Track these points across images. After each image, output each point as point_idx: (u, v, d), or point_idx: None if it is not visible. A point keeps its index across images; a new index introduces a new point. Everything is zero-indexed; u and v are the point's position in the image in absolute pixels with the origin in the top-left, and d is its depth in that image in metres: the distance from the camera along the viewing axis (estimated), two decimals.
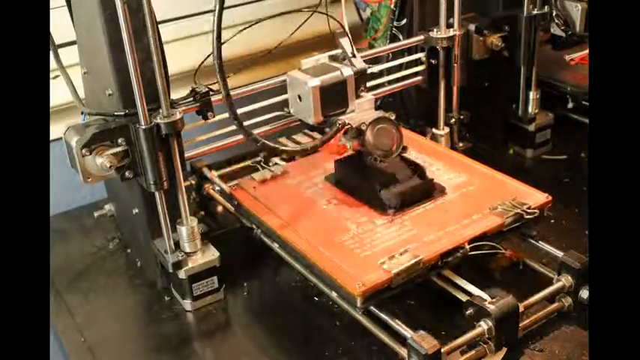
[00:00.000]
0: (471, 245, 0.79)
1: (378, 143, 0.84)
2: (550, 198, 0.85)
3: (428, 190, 0.88)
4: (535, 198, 0.85)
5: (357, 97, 0.88)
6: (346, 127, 0.85)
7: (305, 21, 0.93)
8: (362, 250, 0.79)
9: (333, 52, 0.91)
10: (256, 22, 0.92)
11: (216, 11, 0.72)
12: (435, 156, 0.97)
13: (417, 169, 0.88)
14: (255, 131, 0.91)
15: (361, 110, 0.88)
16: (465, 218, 0.82)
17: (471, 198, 0.87)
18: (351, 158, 0.91)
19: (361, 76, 0.88)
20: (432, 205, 0.86)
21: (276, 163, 1.02)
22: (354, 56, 0.88)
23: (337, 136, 0.86)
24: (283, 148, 0.87)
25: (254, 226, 0.91)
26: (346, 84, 0.87)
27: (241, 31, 0.91)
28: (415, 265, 0.75)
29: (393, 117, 0.86)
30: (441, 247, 0.78)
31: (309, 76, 0.86)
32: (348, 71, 0.87)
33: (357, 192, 0.89)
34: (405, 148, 0.87)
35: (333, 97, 0.86)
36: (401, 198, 0.85)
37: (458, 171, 0.93)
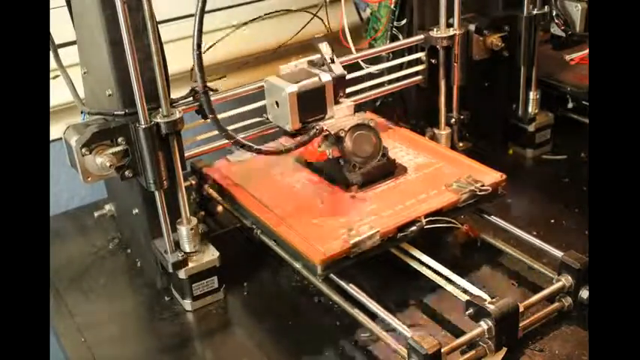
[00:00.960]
0: (427, 219, 0.83)
1: (357, 150, 0.86)
2: (504, 177, 0.90)
3: (390, 169, 0.92)
4: (490, 176, 0.90)
5: (336, 103, 0.88)
6: (324, 133, 0.86)
7: (308, 22, 0.93)
8: (325, 223, 0.84)
9: (312, 58, 0.90)
10: (245, 23, 0.92)
11: (197, 19, 0.73)
12: (397, 138, 1.03)
13: (380, 150, 0.91)
14: (241, 135, 0.91)
15: (340, 116, 0.89)
16: (423, 195, 0.87)
17: (430, 177, 0.92)
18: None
19: (340, 82, 0.88)
20: (393, 183, 0.91)
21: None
22: (332, 62, 0.88)
23: (316, 142, 0.87)
24: (257, 147, 0.86)
25: (226, 204, 0.95)
26: (325, 90, 0.87)
27: (228, 34, 0.91)
28: (372, 236, 0.79)
29: (372, 124, 0.87)
30: (397, 221, 0.82)
31: (286, 82, 0.85)
32: (326, 77, 0.87)
33: (324, 171, 0.94)
34: (384, 155, 0.90)
35: (312, 103, 0.86)
36: (364, 176, 0.89)
37: (419, 152, 0.99)
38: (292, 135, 0.90)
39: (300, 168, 0.97)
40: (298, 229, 0.83)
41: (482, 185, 0.87)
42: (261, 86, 0.91)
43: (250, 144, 0.84)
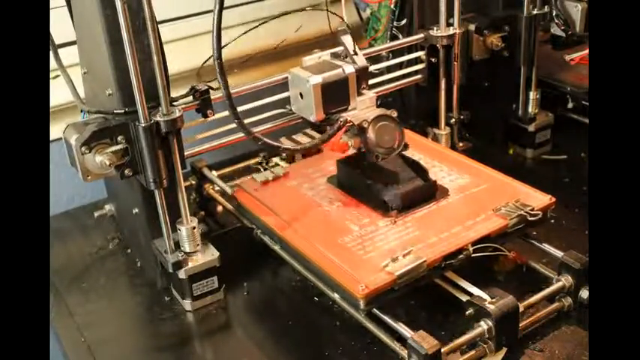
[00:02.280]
0: (474, 247, 0.79)
1: (379, 141, 0.84)
2: (553, 200, 0.85)
3: (431, 192, 0.87)
4: (538, 199, 0.85)
5: (359, 94, 0.88)
6: (348, 124, 0.85)
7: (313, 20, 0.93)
8: (365, 251, 0.79)
9: (335, 50, 0.91)
10: (263, 22, 0.92)
11: (216, 11, 0.72)
12: (437, 157, 0.97)
13: (420, 171, 0.88)
14: (257, 129, 0.92)
15: (363, 108, 0.88)
16: (468, 220, 0.82)
17: (474, 200, 0.87)
18: (353, 159, 0.91)
19: (363, 74, 0.88)
20: (435, 207, 0.86)
21: (276, 164, 1.02)
22: (355, 54, 0.88)
23: (339, 134, 0.86)
24: (284, 146, 0.87)
25: (255, 227, 0.91)
26: (348, 81, 0.87)
27: (252, 29, 0.91)
28: (418, 267, 0.74)
29: (394, 115, 0.86)
30: (444, 249, 0.77)
31: (310, 74, 0.86)
32: (349, 68, 0.87)
33: (359, 193, 0.89)
34: (406, 146, 0.87)
35: (335, 94, 0.86)
36: (403, 199, 0.85)
37: (460, 172, 0.93)
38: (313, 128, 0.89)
39: (332, 189, 0.92)
40: (335, 257, 0.78)
41: (532, 209, 0.82)
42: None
43: (276, 143, 0.83)
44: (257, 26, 0.95)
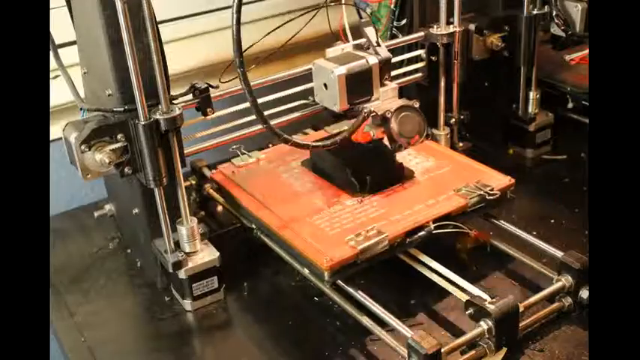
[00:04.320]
0: (436, 224, 0.83)
1: (402, 131, 0.86)
2: (513, 181, 0.89)
3: (397, 174, 0.92)
4: (499, 180, 0.90)
5: (382, 85, 0.89)
6: (371, 114, 0.86)
7: (311, 18, 0.93)
8: (332, 228, 0.84)
9: (358, 42, 0.91)
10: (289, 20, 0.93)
11: (234, 7, 0.73)
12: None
13: (387, 153, 0.91)
14: (277, 120, 0.94)
15: (386, 98, 0.89)
16: (431, 199, 0.87)
17: (438, 181, 0.92)
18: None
19: (386, 65, 0.89)
20: (401, 188, 0.91)
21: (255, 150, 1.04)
22: (378, 45, 0.88)
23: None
24: (310, 144, 0.86)
25: (233, 209, 0.94)
26: (371, 72, 0.87)
27: (288, 21, 0.93)
28: (380, 241, 0.79)
29: (417, 105, 0.88)
30: (406, 226, 0.82)
31: (335, 65, 0.86)
32: (373, 60, 0.87)
33: (330, 175, 0.94)
34: (428, 136, 0.90)
35: (359, 85, 0.87)
36: (371, 180, 0.89)
37: (426, 155, 0.98)
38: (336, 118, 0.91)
39: (306, 172, 0.97)
40: (305, 234, 0.83)
41: (492, 189, 0.87)
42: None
43: (303, 142, 0.84)
44: (288, 21, 0.95)
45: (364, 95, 0.88)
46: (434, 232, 0.82)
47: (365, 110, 0.86)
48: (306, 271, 0.82)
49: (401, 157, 0.94)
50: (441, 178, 0.92)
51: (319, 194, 0.91)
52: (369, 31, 0.89)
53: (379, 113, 0.86)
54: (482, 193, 0.86)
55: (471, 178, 0.90)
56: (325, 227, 0.84)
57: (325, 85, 0.88)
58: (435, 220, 0.83)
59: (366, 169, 0.90)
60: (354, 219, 0.85)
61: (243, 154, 1.02)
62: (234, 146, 1.04)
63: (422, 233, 0.82)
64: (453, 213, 0.85)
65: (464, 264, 0.88)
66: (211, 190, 1.02)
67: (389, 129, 0.86)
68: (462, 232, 0.86)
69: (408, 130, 0.86)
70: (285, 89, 0.95)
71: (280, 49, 1.01)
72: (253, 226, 0.91)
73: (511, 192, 0.91)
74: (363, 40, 0.90)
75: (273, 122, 0.86)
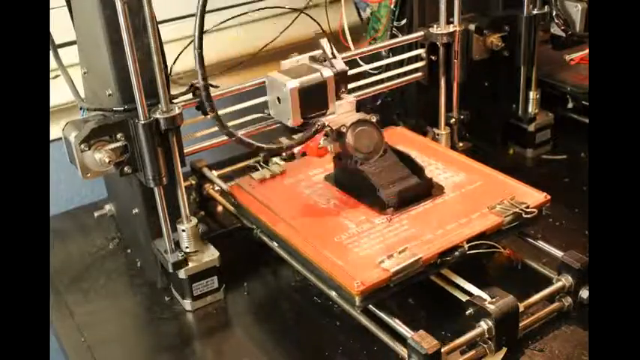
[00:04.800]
0: (470, 244, 0.79)
1: (358, 145, 0.83)
2: (548, 197, 0.85)
3: (426, 189, 0.88)
4: (534, 197, 0.85)
5: (338, 98, 0.87)
6: (325, 129, 0.84)
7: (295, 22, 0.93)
8: (360, 248, 0.79)
9: (313, 53, 0.89)
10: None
11: (198, 14, 0.73)
12: (433, 155, 0.97)
13: (416, 168, 0.88)
14: (241, 132, 0.90)
15: (342, 112, 0.87)
16: (464, 217, 0.82)
17: (470, 197, 0.87)
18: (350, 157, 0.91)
19: (342, 78, 0.87)
20: (431, 205, 0.86)
21: (275, 163, 1.02)
22: (334, 57, 0.87)
23: (316, 138, 0.85)
24: (264, 146, 0.85)
25: (253, 225, 0.91)
26: (326, 85, 0.86)
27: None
28: (414, 264, 0.75)
29: (374, 119, 0.85)
30: (439, 246, 0.78)
31: (288, 78, 0.84)
32: (328, 72, 0.85)
33: (356, 191, 0.89)
34: (385, 151, 0.87)
35: (313, 98, 0.85)
36: (399, 197, 0.85)
37: (456, 170, 0.93)
38: (292, 133, 0.89)
39: (329, 187, 0.92)
40: (333, 255, 0.78)
41: (527, 207, 0.82)
42: (260, 82, 0.90)
43: (252, 141, 0.82)
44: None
45: (319, 109, 0.85)
46: (468, 252, 0.78)
47: (318, 123, 0.84)
48: (332, 294, 0.78)
49: (430, 171, 0.90)
50: (473, 194, 0.88)
51: (345, 212, 0.86)
52: (324, 42, 0.87)
53: (334, 127, 0.84)
54: (518, 210, 0.82)
55: (504, 194, 0.85)
56: (354, 248, 0.79)
57: (279, 98, 0.85)
58: (468, 240, 0.79)
59: (395, 185, 0.86)
60: (384, 239, 0.80)
61: (262, 167, 0.98)
62: (253, 160, 1.03)
63: (456, 254, 0.78)
64: (488, 232, 0.80)
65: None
66: (211, 190, 1.02)
67: (344, 144, 0.84)
68: (495, 252, 0.82)
69: (364, 145, 0.83)
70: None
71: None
72: (275, 244, 0.87)
73: (546, 209, 0.86)
74: (318, 52, 0.88)
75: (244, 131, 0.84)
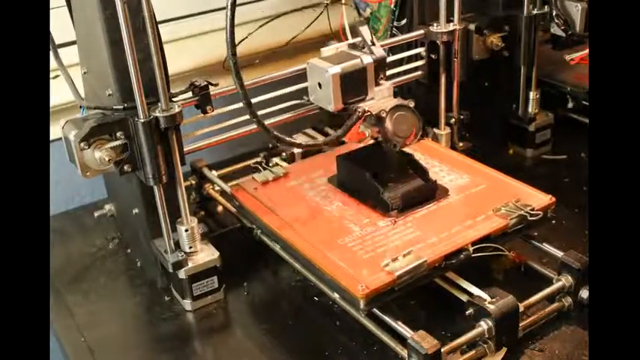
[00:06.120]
0: (475, 247, 0.79)
1: (397, 130, 0.84)
2: (554, 199, 0.85)
3: (431, 192, 0.88)
4: (538, 199, 0.85)
5: (377, 84, 0.88)
6: (366, 114, 0.85)
7: (316, 17, 0.93)
8: (364, 251, 0.79)
9: (353, 41, 0.91)
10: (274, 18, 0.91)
11: (229, 8, 0.73)
12: (437, 157, 0.97)
13: (420, 170, 0.88)
14: (271, 120, 0.92)
15: (380, 98, 0.88)
16: (468, 220, 0.82)
17: (474, 199, 0.87)
18: (353, 160, 0.91)
19: (380, 64, 0.88)
20: (435, 207, 0.86)
21: (276, 164, 1.02)
22: (373, 44, 0.88)
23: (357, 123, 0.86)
24: (303, 142, 0.86)
25: (255, 227, 0.91)
26: (366, 72, 0.87)
27: (261, 26, 0.91)
28: (419, 267, 0.74)
29: (412, 104, 0.86)
30: (444, 249, 0.77)
31: (329, 64, 0.86)
32: (367, 59, 0.87)
33: (359, 193, 0.89)
34: (423, 135, 0.87)
35: (353, 84, 0.86)
36: (404, 199, 0.85)
37: (460, 172, 0.93)
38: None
39: (333, 189, 0.92)
40: (336, 257, 0.78)
41: (533, 209, 0.82)
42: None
43: (295, 140, 0.83)
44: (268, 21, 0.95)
45: (359, 95, 0.87)
46: (473, 255, 0.78)
47: (359, 110, 0.85)
48: (335, 296, 0.78)
49: (434, 173, 0.90)
50: (477, 196, 0.87)
51: (349, 214, 0.86)
52: (364, 30, 0.88)
53: (374, 113, 0.85)
54: (523, 213, 0.81)
55: (509, 197, 0.85)
56: (358, 250, 0.79)
57: (320, 84, 0.87)
58: (474, 243, 0.79)
59: (399, 187, 0.86)
60: (388, 242, 0.80)
61: (265, 169, 0.98)
62: (253, 161, 1.03)
63: (461, 257, 0.78)
64: (493, 234, 0.80)
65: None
66: (211, 190, 1.02)
67: (384, 128, 0.84)
68: (501, 254, 0.82)
69: (403, 130, 0.84)
70: (279, 89, 0.94)
71: (276, 50, 1.01)
72: (278, 247, 0.88)
73: (552, 211, 0.86)
74: (358, 40, 0.90)
75: (267, 122, 0.85)
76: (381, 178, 0.87)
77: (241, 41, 0.96)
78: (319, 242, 0.81)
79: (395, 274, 0.73)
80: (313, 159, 1.00)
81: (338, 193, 0.91)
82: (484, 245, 0.79)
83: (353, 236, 0.82)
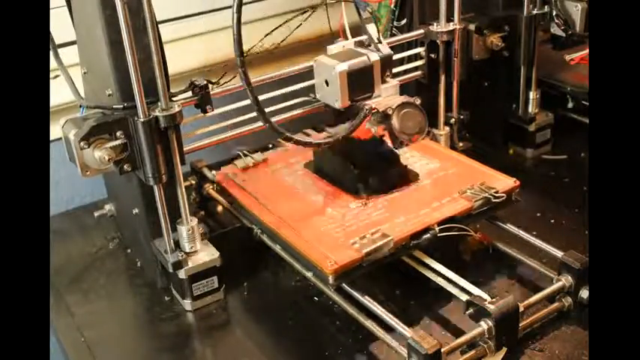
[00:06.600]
0: (441, 227, 0.82)
1: (404, 127, 0.86)
2: (518, 183, 0.89)
3: (401, 176, 0.92)
4: (503, 183, 0.89)
5: (383, 82, 0.89)
6: (373, 111, 0.86)
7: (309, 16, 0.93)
8: (336, 231, 0.83)
9: (359, 38, 0.91)
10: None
11: (235, 7, 0.73)
12: (416, 146, 1.00)
13: (391, 156, 0.91)
14: (277, 118, 0.93)
15: (387, 95, 0.89)
16: (436, 202, 0.86)
17: (442, 183, 0.91)
18: (328, 146, 0.92)
19: (387, 62, 0.89)
20: (405, 190, 0.90)
21: (257, 151, 1.04)
22: (379, 42, 0.89)
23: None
24: (311, 141, 0.87)
25: (232, 210, 0.94)
26: (373, 69, 0.88)
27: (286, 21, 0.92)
28: (385, 244, 0.78)
29: (418, 102, 0.87)
30: (410, 228, 0.81)
31: (336, 61, 0.86)
32: (374, 56, 0.88)
33: (333, 178, 0.93)
34: (429, 132, 0.89)
35: (360, 81, 0.87)
36: (375, 183, 0.89)
37: (431, 158, 0.97)
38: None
39: (309, 174, 0.96)
40: (308, 236, 0.82)
41: (497, 192, 0.86)
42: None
43: (301, 139, 0.84)
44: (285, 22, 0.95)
45: (365, 92, 0.88)
46: (439, 234, 0.82)
47: (366, 107, 0.86)
48: (309, 274, 0.81)
49: (405, 159, 0.94)
50: (446, 180, 0.91)
51: (323, 196, 0.91)
52: (371, 28, 0.89)
53: (380, 110, 0.86)
54: (487, 195, 0.85)
55: (476, 180, 0.89)
56: (329, 230, 0.83)
57: (327, 81, 0.88)
58: (439, 223, 0.82)
59: (371, 171, 0.90)
60: (358, 222, 0.84)
61: (245, 155, 1.01)
62: (237, 148, 1.04)
63: (427, 236, 0.81)
64: (458, 215, 0.84)
65: (466, 265, 0.88)
66: (211, 190, 1.02)
67: (390, 126, 0.86)
68: (466, 235, 0.85)
69: (409, 127, 0.86)
70: (285, 87, 0.95)
71: (274, 49, 1.01)
72: (255, 227, 0.90)
73: (516, 194, 0.89)
74: (364, 37, 0.91)
75: (273, 119, 0.86)
76: (354, 162, 0.90)
77: (267, 35, 0.98)
78: (293, 222, 0.85)
79: (362, 252, 0.77)
80: (292, 147, 1.02)
81: (313, 177, 0.96)
82: (450, 225, 0.83)
83: (325, 217, 0.86)
